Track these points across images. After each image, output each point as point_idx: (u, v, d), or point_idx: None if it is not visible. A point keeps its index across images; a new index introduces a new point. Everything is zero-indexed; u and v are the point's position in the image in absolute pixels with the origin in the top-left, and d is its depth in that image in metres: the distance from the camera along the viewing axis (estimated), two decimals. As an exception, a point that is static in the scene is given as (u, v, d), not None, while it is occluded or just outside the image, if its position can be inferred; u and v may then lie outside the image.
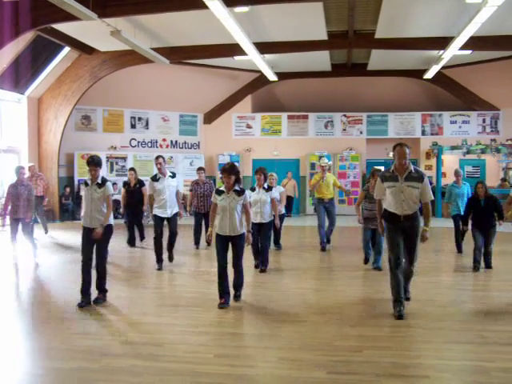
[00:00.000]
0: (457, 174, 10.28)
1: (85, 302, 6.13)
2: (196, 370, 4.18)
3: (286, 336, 5.04)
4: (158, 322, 5.53)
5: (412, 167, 5.76)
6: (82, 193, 6.41)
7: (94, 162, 6.23)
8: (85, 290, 6.20)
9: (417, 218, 5.82)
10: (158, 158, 8.59)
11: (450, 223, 10.39)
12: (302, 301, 6.41)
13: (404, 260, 5.85)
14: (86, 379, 4.04)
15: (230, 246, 6.24)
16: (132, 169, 11.49)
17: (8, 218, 9.46)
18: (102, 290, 6.38)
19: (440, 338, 4.90)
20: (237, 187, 6.19)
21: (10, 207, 9.19)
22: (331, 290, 7.07)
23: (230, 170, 6.13)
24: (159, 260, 8.45)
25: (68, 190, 16.46)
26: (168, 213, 8.49)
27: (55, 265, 8.97)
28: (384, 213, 5.96)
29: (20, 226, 9.14)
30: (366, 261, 8.62)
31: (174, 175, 8.65)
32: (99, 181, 6.28)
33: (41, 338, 5.09)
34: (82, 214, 6.33)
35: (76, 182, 16.85)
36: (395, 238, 5.80)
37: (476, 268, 8.17)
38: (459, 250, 10.07)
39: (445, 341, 4.84)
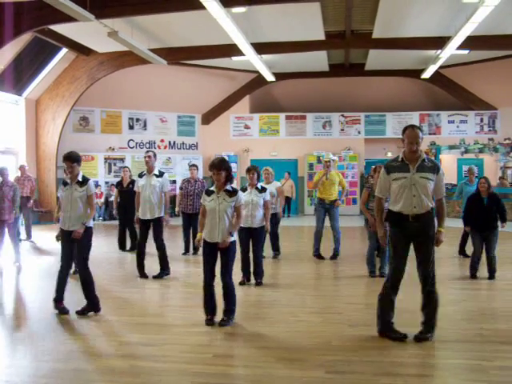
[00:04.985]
0: (470, 171, 10.26)
1: (59, 311, 5.67)
2: (194, 370, 4.17)
3: (283, 336, 5.02)
4: (155, 323, 5.52)
5: (425, 155, 4.74)
6: (60, 193, 5.85)
7: (70, 158, 5.62)
8: (58, 299, 5.69)
9: (431, 219, 4.72)
10: (147, 152, 7.88)
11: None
12: (300, 303, 6.41)
13: (419, 276, 4.77)
14: (85, 380, 4.02)
15: (219, 254, 5.35)
16: (126, 167, 10.99)
17: None
18: (89, 299, 5.71)
19: (438, 337, 4.89)
20: (228, 187, 5.30)
21: None
22: (330, 290, 7.06)
23: (219, 165, 5.16)
24: (141, 275, 7.71)
25: (66, 191, 16.35)
26: (148, 215, 7.64)
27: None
28: (387, 214, 4.86)
29: (6, 229, 8.66)
30: (372, 274, 7.63)
31: (160, 174, 7.80)
32: (80, 179, 5.69)
33: (37, 339, 5.06)
34: (61, 216, 5.74)
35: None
36: (399, 247, 4.71)
37: (473, 276, 7.55)
38: (462, 252, 9.35)
39: (443, 339, 4.83)
